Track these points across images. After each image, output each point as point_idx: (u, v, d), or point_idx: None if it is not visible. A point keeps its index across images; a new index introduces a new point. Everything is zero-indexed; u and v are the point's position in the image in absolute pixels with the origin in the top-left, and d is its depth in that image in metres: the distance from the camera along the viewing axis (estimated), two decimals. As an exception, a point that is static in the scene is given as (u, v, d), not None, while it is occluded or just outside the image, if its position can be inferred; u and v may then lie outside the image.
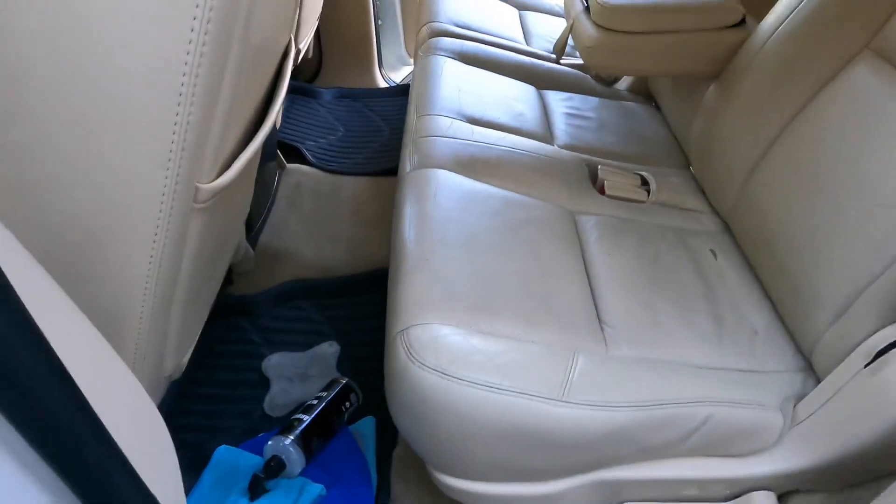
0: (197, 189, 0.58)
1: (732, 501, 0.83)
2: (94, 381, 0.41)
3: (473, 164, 1.09)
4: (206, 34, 0.45)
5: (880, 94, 0.83)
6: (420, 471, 1.02)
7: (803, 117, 0.94)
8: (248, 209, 1.13)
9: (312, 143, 1.82)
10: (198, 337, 0.89)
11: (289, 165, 1.70)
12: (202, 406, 1.14)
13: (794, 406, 0.80)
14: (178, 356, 0.76)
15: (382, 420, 1.11)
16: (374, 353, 1.28)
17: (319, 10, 1.73)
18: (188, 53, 0.45)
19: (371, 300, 1.38)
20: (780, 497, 0.84)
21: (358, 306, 1.37)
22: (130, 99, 0.46)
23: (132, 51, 0.45)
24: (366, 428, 1.10)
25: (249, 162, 0.75)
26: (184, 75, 0.46)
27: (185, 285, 0.67)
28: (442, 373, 0.70)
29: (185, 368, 0.83)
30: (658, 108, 1.49)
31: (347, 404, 1.08)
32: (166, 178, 0.50)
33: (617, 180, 1.15)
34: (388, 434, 1.10)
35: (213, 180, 0.61)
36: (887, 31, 0.85)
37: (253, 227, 1.42)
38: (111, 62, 0.45)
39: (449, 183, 1.01)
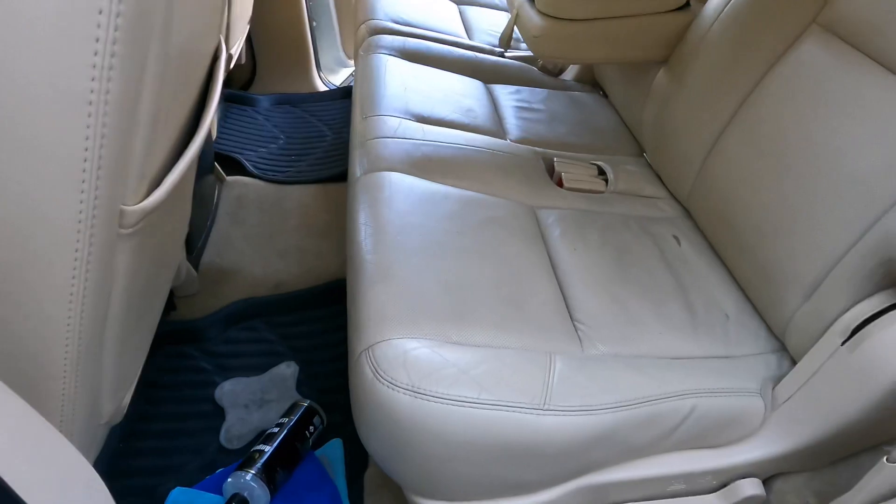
0: (122, 212, 0.51)
1: (720, 492, 0.82)
2: (7, 452, 0.34)
3: (427, 165, 1.04)
4: (115, 31, 0.38)
5: (830, 68, 0.83)
6: (395, 492, 0.97)
7: (756, 97, 0.93)
8: (186, 228, 1.04)
9: (252, 152, 1.73)
10: (139, 374, 0.80)
11: (228, 178, 1.60)
12: (151, 444, 1.05)
13: (773, 388, 0.79)
14: (115, 399, 0.68)
15: (350, 441, 1.05)
16: (334, 369, 1.22)
17: (249, 12, 1.64)
18: (96, 54, 0.38)
19: (327, 314, 1.31)
20: (765, 481, 0.83)
21: (313, 322, 1.30)
22: (30, 112, 0.39)
23: (27, 57, 0.37)
24: (333, 451, 1.03)
25: (183, 177, 0.67)
26: (92, 80, 0.39)
27: (118, 322, 0.60)
28: (414, 391, 0.65)
29: (125, 411, 0.75)
30: (605, 95, 1.48)
31: (311, 428, 1.01)
32: (81, 202, 0.43)
33: (574, 172, 1.13)
34: (358, 455, 1.03)
35: (141, 201, 0.54)
36: (833, 4, 0.85)
37: (194, 246, 1.32)
38: (3, 71, 0.37)
39: (403, 186, 0.96)
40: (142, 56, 0.44)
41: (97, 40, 0.38)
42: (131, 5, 0.38)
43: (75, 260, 0.45)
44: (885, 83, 0.75)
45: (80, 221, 0.44)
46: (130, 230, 0.53)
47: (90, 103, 0.40)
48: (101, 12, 0.37)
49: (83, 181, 0.42)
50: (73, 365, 0.51)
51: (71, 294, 0.47)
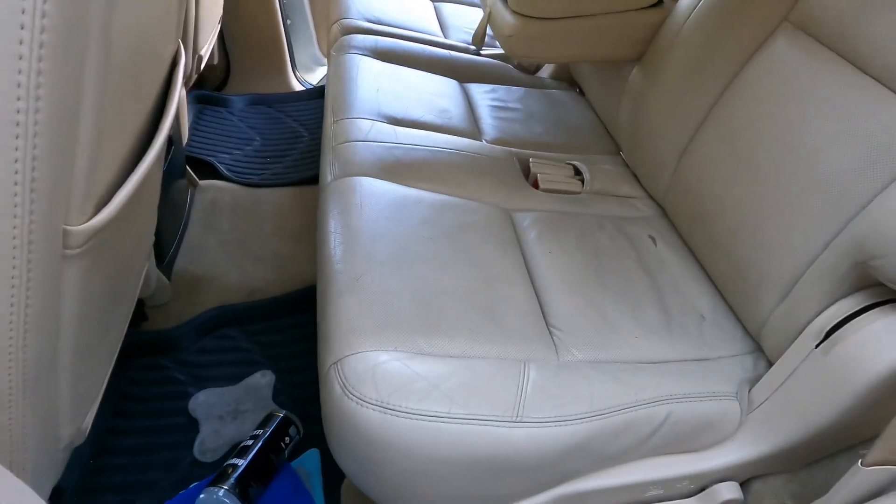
0: (66, 233, 0.48)
1: (697, 496, 0.81)
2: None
3: (399, 169, 1.02)
4: (41, 48, 0.36)
5: (802, 66, 0.82)
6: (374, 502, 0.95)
7: (729, 95, 0.93)
8: (152, 238, 1.01)
9: (226, 155, 1.70)
10: (102, 392, 0.78)
11: (202, 182, 1.57)
12: (123, 460, 1.02)
13: (749, 391, 0.79)
14: (75, 422, 0.66)
15: (327, 451, 1.03)
16: (312, 378, 1.19)
17: (220, 12, 1.61)
18: (20, 73, 0.36)
19: (304, 321, 1.29)
20: (742, 484, 0.82)
21: (290, 329, 1.27)
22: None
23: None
24: (310, 462, 1.01)
25: (141, 189, 0.65)
26: (18, 100, 0.37)
27: (72, 344, 0.57)
28: (383, 407, 0.64)
29: (87, 433, 0.72)
30: (582, 93, 1.47)
31: (287, 440, 0.99)
32: (15, 227, 0.41)
33: (550, 173, 1.11)
34: (335, 466, 1.01)
35: (88, 220, 0.51)
36: (804, 2, 0.84)
37: (165, 253, 1.30)
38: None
39: (375, 191, 0.94)
40: (76, 70, 0.41)
41: (20, 58, 0.36)
42: (57, 19, 0.36)
43: (12, 287, 0.43)
44: (856, 82, 0.75)
45: (14, 247, 0.41)
46: (78, 251, 0.51)
47: (17, 124, 0.37)
48: (22, 27, 0.35)
49: (15, 205, 0.40)
50: (20, 395, 0.49)
51: (10, 322, 0.44)
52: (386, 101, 1.20)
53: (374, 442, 0.64)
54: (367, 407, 0.63)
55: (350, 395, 0.64)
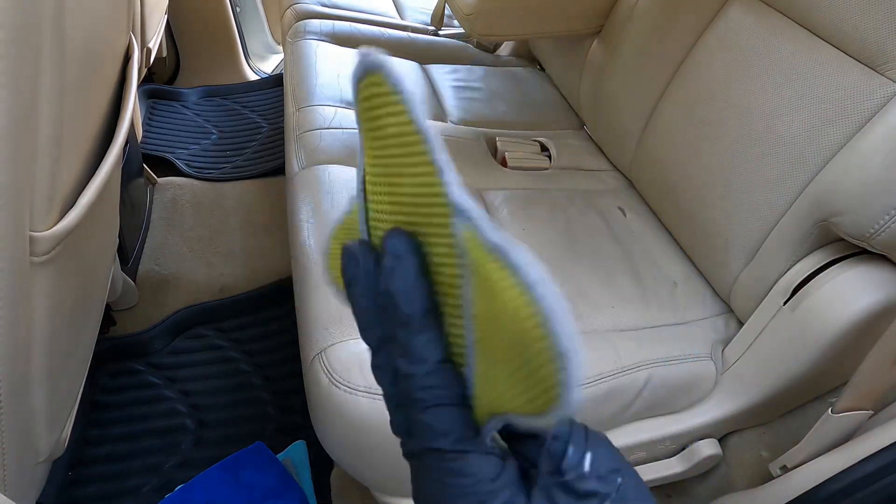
0: (32, 240, 0.46)
1: (679, 455, 0.84)
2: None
3: (367, 154, 1.01)
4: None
5: (756, 32, 0.84)
6: (363, 490, 0.95)
7: (688, 64, 0.94)
8: (116, 240, 0.98)
9: (184, 150, 1.65)
10: (78, 402, 0.76)
11: (160, 180, 1.52)
12: (102, 469, 1.00)
13: (723, 351, 0.82)
14: (53, 434, 0.64)
15: (313, 442, 1.03)
16: (291, 371, 1.19)
17: (166, 2, 1.55)
18: (-25, 73, 0.34)
19: (277, 314, 1.27)
20: (720, 439, 0.86)
21: (264, 323, 1.26)
22: None
23: None
24: (297, 454, 1.01)
25: (103, 191, 0.63)
26: (-25, 103, 0.35)
27: (44, 352, 0.55)
28: (372, 393, 0.63)
29: (66, 444, 0.70)
30: (543, 69, 1.48)
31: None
32: (-20, 236, 0.39)
33: (518, 150, 1.12)
34: (322, 455, 1.01)
35: (54, 224, 0.49)
36: (756, -30, 0.85)
37: (129, 255, 1.26)
38: None
39: (344, 179, 0.93)
40: (31, 73, 0.39)
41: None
42: (9, 16, 0.34)
43: (-19, 299, 0.41)
44: (809, 45, 0.77)
45: (-19, 257, 0.40)
46: (45, 257, 0.49)
47: (-24, 128, 0.35)
48: (-26, 25, 0.33)
49: (-22, 214, 0.38)
50: (-5, 409, 0.47)
51: (-19, 335, 0.43)
52: (348, 87, 1.18)
53: (365, 428, 0.64)
54: (356, 394, 0.63)
55: (338, 384, 0.64)
